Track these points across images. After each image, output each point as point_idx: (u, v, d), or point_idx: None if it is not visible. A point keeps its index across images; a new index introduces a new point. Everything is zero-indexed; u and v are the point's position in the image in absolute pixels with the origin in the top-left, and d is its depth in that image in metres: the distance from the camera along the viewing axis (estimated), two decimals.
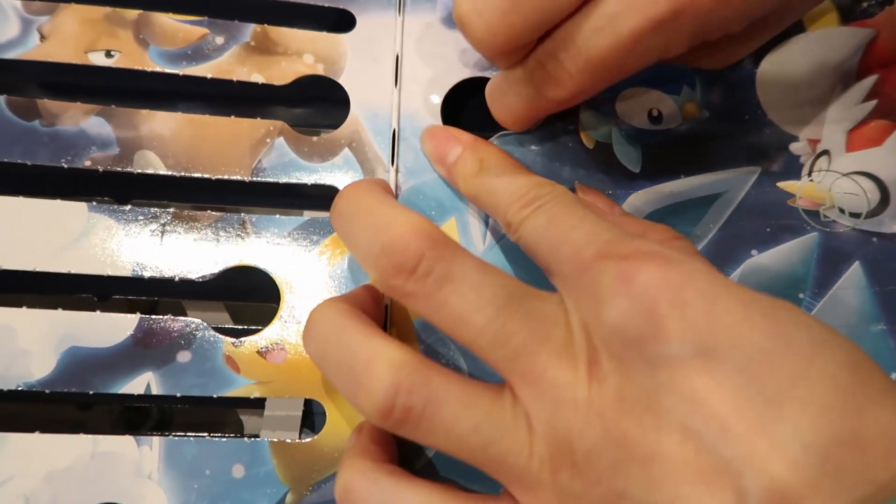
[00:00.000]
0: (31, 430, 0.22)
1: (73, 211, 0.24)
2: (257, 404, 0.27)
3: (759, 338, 0.15)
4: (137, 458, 0.22)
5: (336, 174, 0.26)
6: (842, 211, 0.25)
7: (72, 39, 0.28)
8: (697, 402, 0.15)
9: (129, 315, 0.23)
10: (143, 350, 0.23)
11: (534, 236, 0.20)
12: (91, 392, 0.23)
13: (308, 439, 0.23)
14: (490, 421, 0.17)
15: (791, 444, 0.14)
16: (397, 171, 0.26)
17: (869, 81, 0.27)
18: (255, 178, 0.25)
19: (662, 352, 0.16)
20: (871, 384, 0.15)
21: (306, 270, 0.25)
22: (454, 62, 0.28)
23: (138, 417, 0.30)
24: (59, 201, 0.24)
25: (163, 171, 0.25)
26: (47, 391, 0.23)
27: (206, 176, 0.25)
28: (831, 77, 0.27)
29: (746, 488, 0.14)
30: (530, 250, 0.21)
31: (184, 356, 0.23)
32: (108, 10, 0.28)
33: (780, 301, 0.16)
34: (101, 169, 0.25)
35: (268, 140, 0.26)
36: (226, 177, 0.25)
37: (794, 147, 0.26)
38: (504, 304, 0.18)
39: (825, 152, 0.26)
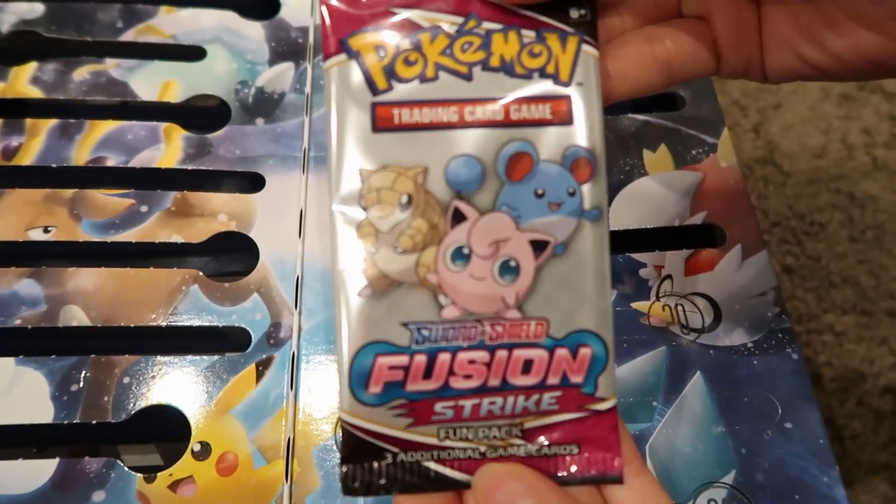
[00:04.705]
0: None
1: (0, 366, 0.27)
2: None
3: None
4: None
5: (246, 316, 0.29)
6: (684, 327, 0.29)
7: (14, 220, 0.31)
8: None
9: (48, 460, 0.26)
10: (60, 493, 0.25)
11: None
12: None
13: None
14: None
15: None
16: (300, 314, 0.30)
17: (699, 217, 0.32)
18: (170, 323, 0.28)
19: None
20: None
21: (215, 406, 0.27)
22: None
23: None
24: None
25: (85, 323, 0.28)
26: None
27: (124, 325, 0.28)
28: (670, 212, 0.32)
29: None
30: None
31: (98, 496, 0.25)
32: (47, 190, 0.32)
33: None
34: (29, 327, 0.28)
35: (183, 287, 0.29)
36: (143, 324, 0.28)
37: (643, 272, 0.31)
38: None
39: (668, 276, 0.30)
